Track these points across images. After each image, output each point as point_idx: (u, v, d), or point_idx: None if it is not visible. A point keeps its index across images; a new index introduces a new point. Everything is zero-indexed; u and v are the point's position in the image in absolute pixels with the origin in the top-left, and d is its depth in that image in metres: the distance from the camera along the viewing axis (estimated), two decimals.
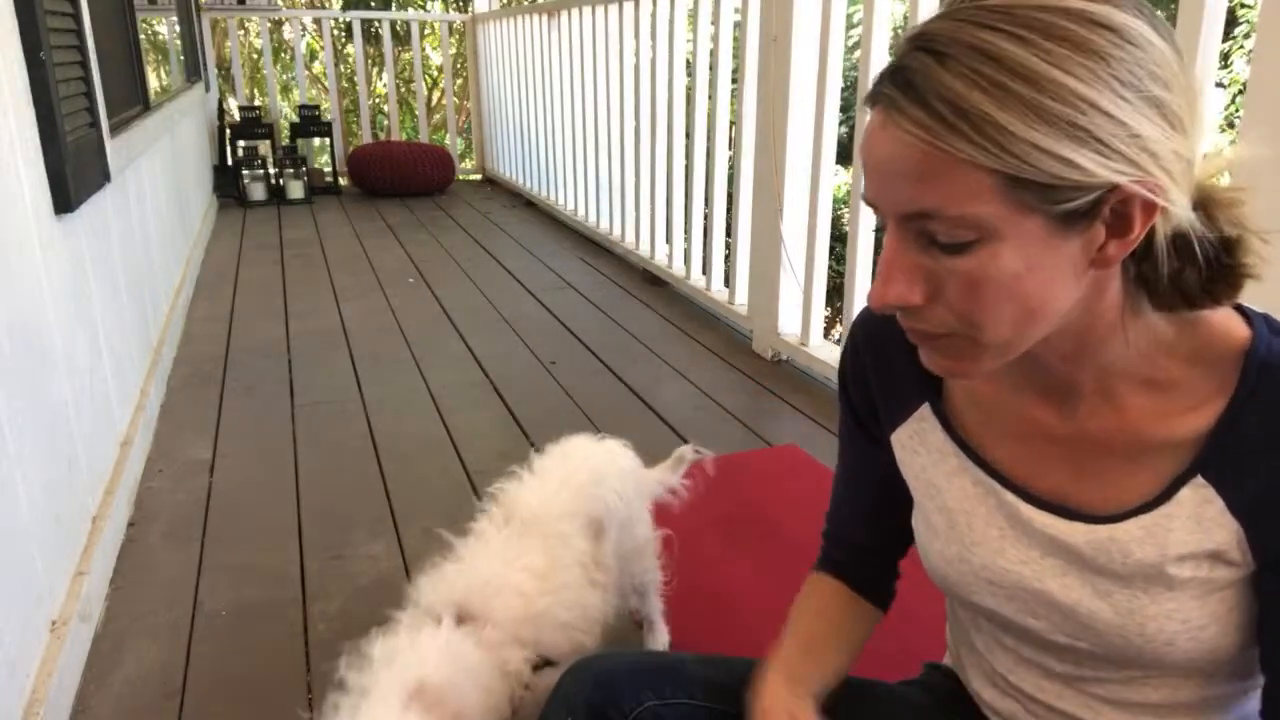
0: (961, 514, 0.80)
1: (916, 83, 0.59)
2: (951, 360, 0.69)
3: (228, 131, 6.28)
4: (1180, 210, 0.61)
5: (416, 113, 7.65)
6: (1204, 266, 0.65)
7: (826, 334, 3.04)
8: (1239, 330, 0.68)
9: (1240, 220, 0.65)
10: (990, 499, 0.79)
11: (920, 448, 0.84)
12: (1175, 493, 0.69)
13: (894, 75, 0.61)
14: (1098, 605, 0.72)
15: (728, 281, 3.53)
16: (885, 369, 0.87)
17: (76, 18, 2.28)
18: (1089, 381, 0.71)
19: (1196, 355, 0.69)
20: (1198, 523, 0.68)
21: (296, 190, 6.25)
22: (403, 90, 10.69)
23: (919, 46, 0.60)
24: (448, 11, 12.26)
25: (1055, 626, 0.76)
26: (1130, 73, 0.57)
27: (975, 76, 0.57)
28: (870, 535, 0.98)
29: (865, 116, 0.65)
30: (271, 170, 6.31)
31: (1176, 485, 0.69)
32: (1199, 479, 0.68)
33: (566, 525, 1.24)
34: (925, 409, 0.83)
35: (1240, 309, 0.70)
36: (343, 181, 6.80)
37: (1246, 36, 6.33)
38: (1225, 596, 0.69)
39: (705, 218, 3.76)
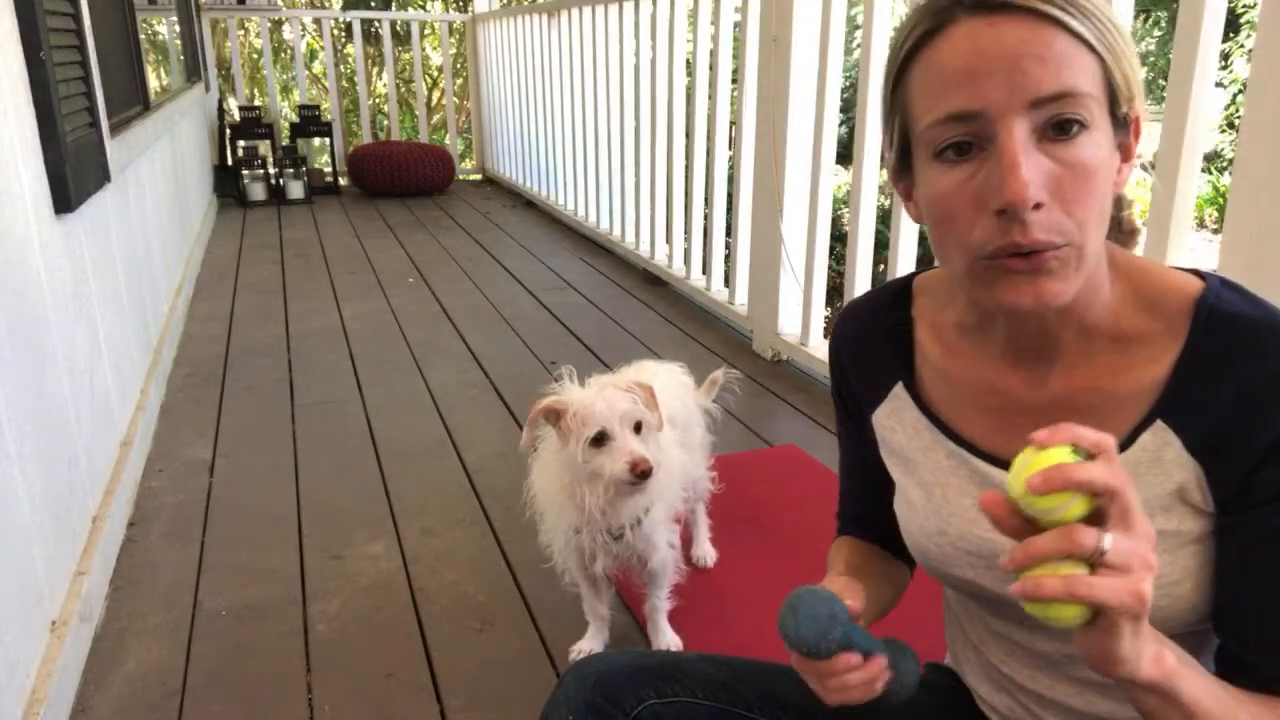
0: (937, 486, 0.83)
1: None
2: (1056, 279, 0.68)
3: (228, 131, 6.28)
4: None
5: (416, 113, 7.65)
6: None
7: (826, 334, 3.04)
8: (1192, 283, 0.73)
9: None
10: (963, 469, 0.82)
11: (897, 425, 0.88)
12: (1137, 438, 0.72)
13: None
14: None
15: (727, 281, 3.54)
16: (861, 359, 0.91)
17: (76, 18, 2.28)
18: (1070, 340, 0.74)
19: (1155, 307, 0.73)
20: (1159, 465, 0.71)
21: (296, 190, 6.25)
22: (403, 90, 10.70)
23: None
24: (448, 11, 12.27)
25: None
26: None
27: None
28: (876, 513, 0.99)
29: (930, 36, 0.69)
30: (271, 170, 6.32)
31: (1137, 432, 0.72)
32: (1159, 423, 0.71)
33: None
34: (899, 388, 0.87)
35: (1196, 271, 0.74)
36: (343, 181, 6.80)
37: (1247, 37, 6.33)
38: (1196, 551, 0.71)
39: (705, 218, 3.76)
